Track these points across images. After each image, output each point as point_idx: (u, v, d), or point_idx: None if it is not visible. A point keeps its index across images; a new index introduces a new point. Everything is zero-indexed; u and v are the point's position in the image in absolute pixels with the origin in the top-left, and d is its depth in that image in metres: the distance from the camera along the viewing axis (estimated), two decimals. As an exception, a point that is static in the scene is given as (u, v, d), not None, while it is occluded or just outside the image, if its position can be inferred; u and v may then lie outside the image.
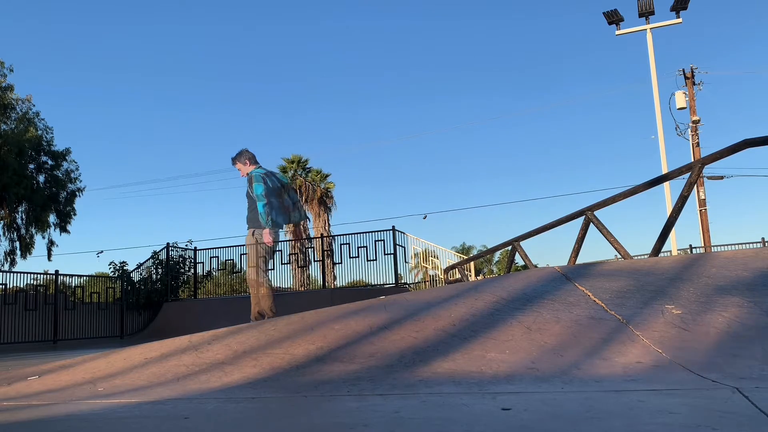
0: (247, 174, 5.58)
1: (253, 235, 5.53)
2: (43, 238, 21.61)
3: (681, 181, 7.96)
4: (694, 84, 21.86)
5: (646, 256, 8.40)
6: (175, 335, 4.32)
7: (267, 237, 5.44)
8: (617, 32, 18.30)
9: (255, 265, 5.58)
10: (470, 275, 14.82)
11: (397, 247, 14.70)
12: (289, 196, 5.75)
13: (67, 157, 21.61)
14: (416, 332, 3.52)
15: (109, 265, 16.99)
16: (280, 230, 5.73)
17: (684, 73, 21.92)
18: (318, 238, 23.22)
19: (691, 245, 21.03)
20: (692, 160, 18.60)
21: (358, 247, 14.94)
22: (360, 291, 13.79)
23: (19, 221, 21.17)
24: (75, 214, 21.97)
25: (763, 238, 20.95)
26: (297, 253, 20.02)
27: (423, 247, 16.36)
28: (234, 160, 5.69)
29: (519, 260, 9.83)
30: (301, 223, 6.25)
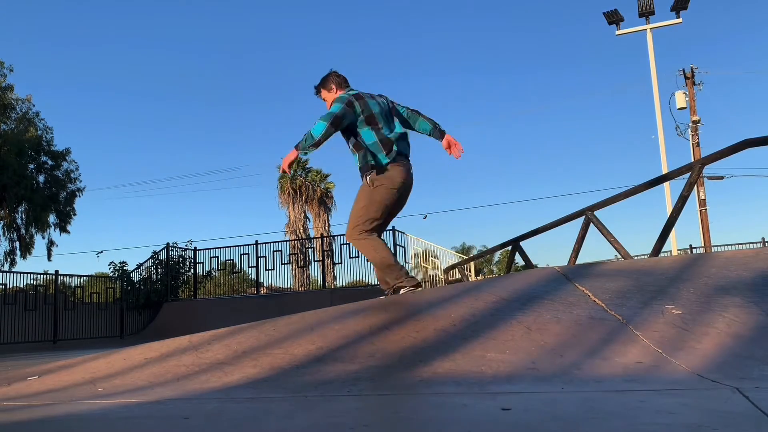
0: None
1: (369, 182, 4.12)
2: (43, 238, 21.62)
3: (681, 181, 7.96)
4: (694, 84, 21.86)
5: (646, 256, 8.41)
6: (175, 335, 4.32)
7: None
8: (617, 32, 18.32)
9: (362, 221, 4.12)
10: (470, 275, 14.81)
11: (397, 247, 14.72)
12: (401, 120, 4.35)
13: (67, 157, 21.62)
14: (416, 332, 3.52)
15: (109, 265, 17.03)
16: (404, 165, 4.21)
17: (684, 73, 21.93)
18: (318, 238, 23.22)
19: (691, 245, 21.05)
20: (692, 160, 18.60)
21: (358, 247, 14.93)
22: (360, 291, 13.80)
23: (19, 221, 21.17)
24: (75, 214, 21.99)
25: (763, 238, 20.97)
26: (297, 253, 20.03)
27: (423, 247, 16.37)
28: (318, 89, 4.40)
29: (519, 260, 9.83)
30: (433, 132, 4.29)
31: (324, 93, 4.37)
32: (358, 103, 4.07)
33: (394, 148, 4.11)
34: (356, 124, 4.10)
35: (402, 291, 4.27)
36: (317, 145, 3.97)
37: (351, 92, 4.21)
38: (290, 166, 4.25)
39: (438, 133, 4.40)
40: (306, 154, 4.14)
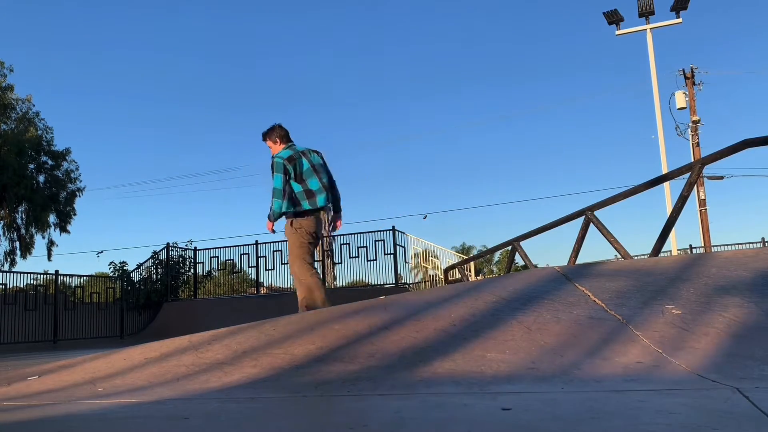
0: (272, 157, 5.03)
1: (291, 225, 5.07)
2: (43, 238, 21.62)
3: (681, 181, 7.96)
4: (694, 84, 21.86)
5: (646, 256, 8.41)
6: (175, 335, 4.32)
7: (286, 229, 5.09)
8: (617, 32, 18.32)
9: (296, 256, 5.10)
10: (470, 275, 14.82)
11: (397, 247, 14.72)
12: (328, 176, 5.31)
13: (67, 157, 21.61)
14: (416, 332, 3.51)
15: (109, 265, 17.02)
16: (324, 213, 5.20)
17: (684, 73, 21.92)
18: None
19: (691, 245, 21.04)
20: (692, 160, 18.60)
21: (358, 247, 14.96)
22: (360, 291, 13.80)
23: (19, 221, 21.17)
24: (75, 214, 21.98)
25: (763, 238, 20.97)
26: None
27: (423, 247, 16.37)
28: (264, 136, 5.21)
29: (519, 260, 9.83)
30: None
31: (269, 142, 5.22)
32: (290, 166, 4.98)
33: (316, 199, 5.06)
34: (291, 177, 5.01)
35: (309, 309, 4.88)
36: (281, 215, 5.04)
37: (288, 152, 5.05)
38: (273, 228, 5.16)
39: (337, 208, 5.42)
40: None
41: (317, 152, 5.24)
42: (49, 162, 21.16)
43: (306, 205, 5.01)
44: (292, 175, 4.97)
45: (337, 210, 5.41)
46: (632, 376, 2.69)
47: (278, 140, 5.17)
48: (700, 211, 20.51)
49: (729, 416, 1.96)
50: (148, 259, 17.10)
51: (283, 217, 5.06)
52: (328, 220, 5.25)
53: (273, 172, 4.95)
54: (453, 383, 2.78)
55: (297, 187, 4.99)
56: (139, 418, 2.56)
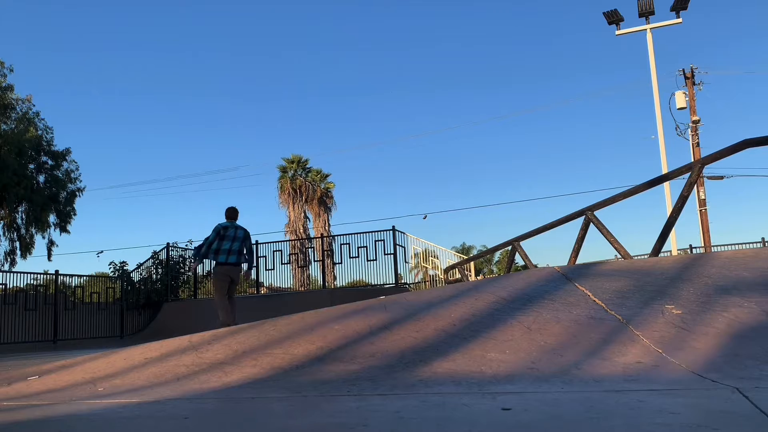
0: None
1: (213, 270, 7.95)
2: (43, 238, 21.59)
3: (681, 181, 7.96)
4: (694, 84, 21.86)
5: (646, 256, 8.40)
6: (175, 335, 4.32)
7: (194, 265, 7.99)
8: (617, 32, 18.30)
9: (218, 294, 7.69)
10: (470, 275, 14.81)
11: (397, 247, 14.69)
12: (246, 241, 7.84)
13: (67, 157, 21.59)
14: (416, 332, 3.52)
15: (109, 265, 16.99)
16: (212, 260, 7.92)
17: (684, 73, 21.92)
18: (318, 238, 23.22)
19: (691, 245, 21.03)
20: (692, 160, 18.60)
21: (358, 247, 14.94)
22: (360, 291, 13.79)
23: (19, 221, 21.15)
24: (75, 214, 21.94)
25: (763, 238, 20.96)
26: (297, 253, 20.03)
27: (423, 247, 16.35)
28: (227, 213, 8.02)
29: (519, 260, 9.83)
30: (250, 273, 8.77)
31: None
32: (222, 230, 7.56)
33: (228, 256, 7.55)
34: (216, 239, 7.55)
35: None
36: (203, 256, 7.76)
37: (224, 223, 7.67)
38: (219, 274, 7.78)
39: (248, 266, 8.04)
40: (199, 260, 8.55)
41: (244, 230, 7.79)
42: (49, 162, 21.15)
43: (221, 258, 7.56)
44: (220, 234, 7.56)
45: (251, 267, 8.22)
46: (632, 376, 2.69)
47: (225, 216, 7.79)
48: (700, 211, 20.52)
49: (729, 416, 1.96)
50: (148, 259, 17.09)
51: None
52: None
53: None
54: (453, 383, 2.78)
55: (220, 245, 7.57)
56: (140, 417, 2.56)
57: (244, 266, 7.89)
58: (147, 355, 3.91)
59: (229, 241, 7.56)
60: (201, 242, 7.75)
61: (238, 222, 7.90)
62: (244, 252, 7.78)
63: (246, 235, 7.80)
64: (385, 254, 14.67)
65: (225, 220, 7.71)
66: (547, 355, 3.05)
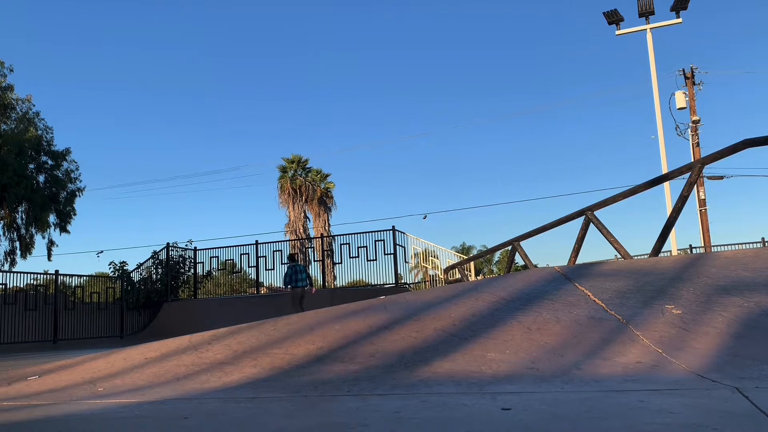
0: None
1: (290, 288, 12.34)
2: (43, 238, 21.58)
3: (681, 181, 7.96)
4: (694, 84, 21.85)
5: (646, 256, 8.40)
6: (175, 335, 4.32)
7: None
8: (617, 32, 18.29)
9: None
10: (470, 275, 14.81)
11: (397, 247, 14.70)
12: (305, 273, 12.35)
13: (67, 157, 21.58)
14: (416, 332, 3.52)
15: (109, 265, 17.00)
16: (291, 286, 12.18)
17: (684, 73, 21.92)
18: (318, 238, 23.22)
19: (691, 245, 21.02)
20: (692, 160, 18.60)
21: (358, 247, 14.95)
22: (360, 291, 13.79)
23: (19, 221, 21.14)
24: (75, 214, 21.93)
25: (763, 238, 20.95)
26: (297, 253, 20.03)
27: (423, 247, 16.35)
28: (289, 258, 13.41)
29: (519, 260, 9.83)
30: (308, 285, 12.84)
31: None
32: (291, 267, 12.29)
33: (296, 281, 12.09)
34: (292, 274, 12.18)
35: None
36: (286, 284, 12.49)
37: (291, 263, 12.59)
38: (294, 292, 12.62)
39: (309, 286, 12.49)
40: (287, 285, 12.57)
41: (302, 265, 12.47)
42: (49, 162, 21.14)
43: (294, 282, 12.05)
44: (293, 270, 12.15)
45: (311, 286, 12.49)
46: (632, 376, 2.69)
47: (294, 256, 13.52)
48: (700, 211, 20.51)
49: (729, 416, 1.96)
50: (148, 259, 17.10)
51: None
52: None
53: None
54: (453, 383, 2.78)
55: (293, 273, 12.10)
56: (140, 418, 2.56)
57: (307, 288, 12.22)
58: (147, 355, 3.91)
59: (299, 271, 12.23)
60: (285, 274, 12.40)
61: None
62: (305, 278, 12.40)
63: (303, 269, 12.51)
64: (385, 254, 14.67)
65: (288, 261, 13.02)
66: (547, 355, 3.05)
